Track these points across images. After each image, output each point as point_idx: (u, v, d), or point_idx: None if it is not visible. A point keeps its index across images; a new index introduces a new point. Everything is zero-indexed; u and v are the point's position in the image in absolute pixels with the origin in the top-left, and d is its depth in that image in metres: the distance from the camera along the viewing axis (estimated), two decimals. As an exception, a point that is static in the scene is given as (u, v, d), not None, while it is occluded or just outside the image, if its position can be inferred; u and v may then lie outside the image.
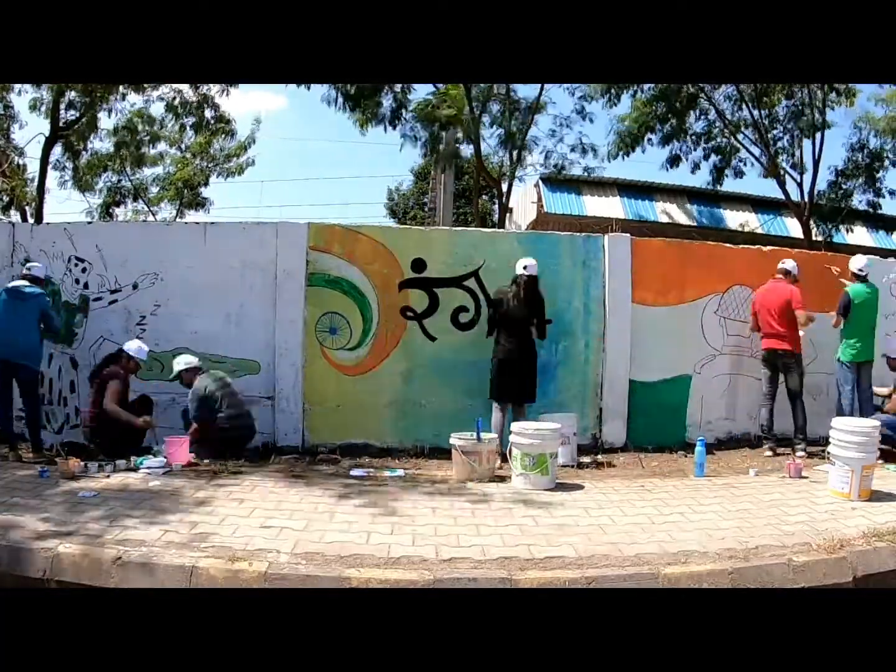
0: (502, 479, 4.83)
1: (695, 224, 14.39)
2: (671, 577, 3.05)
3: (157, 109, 13.33)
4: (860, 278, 6.04)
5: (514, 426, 4.81)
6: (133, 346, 5.52)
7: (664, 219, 14.52)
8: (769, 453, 5.85)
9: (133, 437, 5.33)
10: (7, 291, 5.33)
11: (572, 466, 5.27)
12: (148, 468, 4.81)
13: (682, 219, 14.61)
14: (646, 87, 12.13)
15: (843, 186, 12.77)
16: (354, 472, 5.04)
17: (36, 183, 12.53)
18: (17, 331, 5.22)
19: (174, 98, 12.04)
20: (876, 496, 4.28)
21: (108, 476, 4.66)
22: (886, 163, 12.44)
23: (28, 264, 5.65)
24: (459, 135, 12.37)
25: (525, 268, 5.50)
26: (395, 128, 11.52)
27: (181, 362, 5.53)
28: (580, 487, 4.68)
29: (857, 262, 6.14)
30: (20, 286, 5.36)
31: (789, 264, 6.06)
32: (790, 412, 5.91)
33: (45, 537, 3.32)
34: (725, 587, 3.03)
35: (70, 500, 4.02)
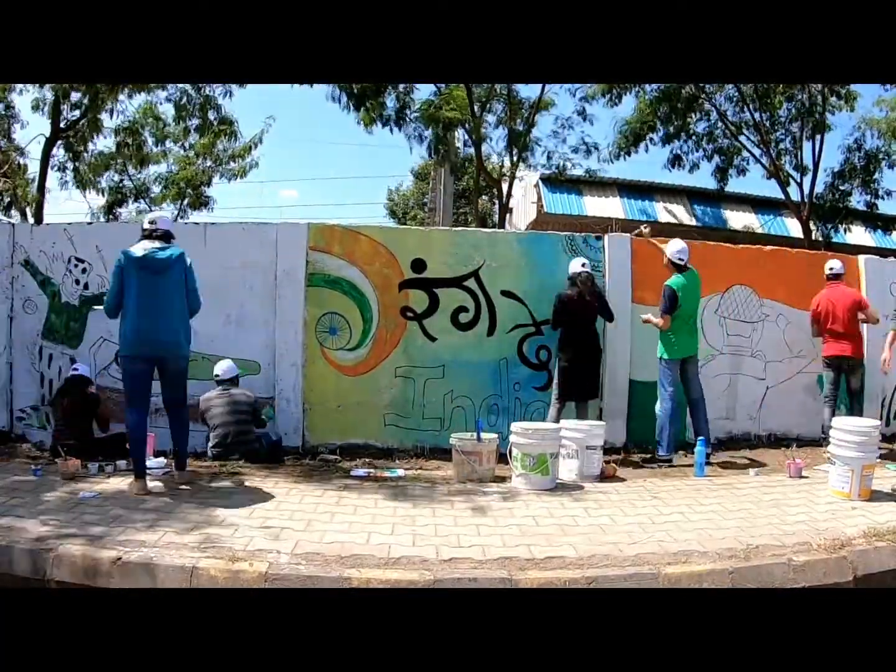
0: (502, 479, 4.84)
1: (695, 224, 14.40)
2: (671, 577, 3.04)
3: (162, 110, 13.35)
4: (679, 267, 5.59)
5: (514, 426, 4.82)
6: (83, 369, 5.49)
7: (664, 219, 14.53)
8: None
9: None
10: (137, 263, 4.21)
11: (579, 487, 4.67)
12: (148, 469, 4.80)
13: (682, 219, 14.62)
14: (648, 87, 12.13)
15: (840, 188, 12.78)
16: (355, 473, 5.04)
17: (36, 183, 12.51)
18: (162, 316, 4.23)
19: (181, 98, 12.02)
20: (876, 496, 4.28)
21: (109, 477, 4.66)
22: (883, 164, 12.45)
23: (150, 216, 4.62)
24: (462, 136, 12.42)
25: (583, 265, 5.58)
26: (400, 129, 11.53)
27: (216, 369, 5.51)
28: (580, 487, 4.68)
29: (674, 247, 5.63)
30: (151, 252, 4.25)
31: (837, 265, 6.12)
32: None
33: (46, 538, 3.31)
34: (725, 587, 3.03)
35: (70, 500, 4.03)
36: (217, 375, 5.47)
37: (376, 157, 55.94)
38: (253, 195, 69.43)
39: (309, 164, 58.61)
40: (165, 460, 4.99)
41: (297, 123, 55.17)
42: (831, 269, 6.16)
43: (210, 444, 5.31)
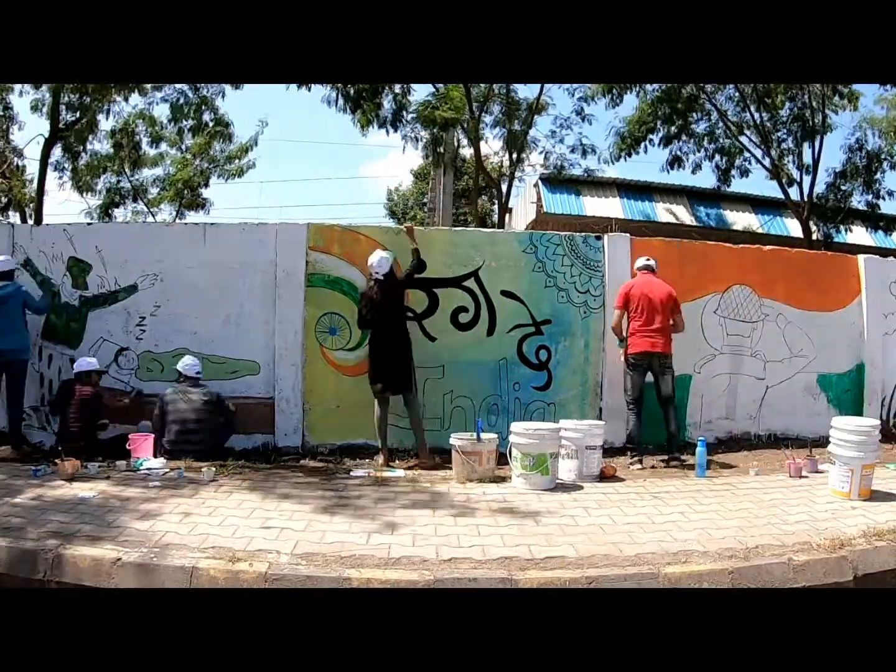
0: (502, 479, 4.84)
1: (695, 224, 14.40)
2: (671, 577, 3.04)
3: (158, 111, 13.36)
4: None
5: (514, 426, 4.81)
6: (86, 362, 5.56)
7: (664, 219, 14.52)
8: (637, 466, 5.33)
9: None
10: None
11: (579, 487, 4.70)
12: (147, 469, 4.81)
13: (681, 219, 14.62)
14: (649, 87, 12.13)
15: (842, 188, 12.79)
16: (355, 473, 5.04)
17: (35, 184, 12.51)
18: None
19: (177, 99, 12.02)
20: (876, 495, 4.28)
21: (108, 477, 4.66)
22: (885, 164, 12.45)
23: None
24: (460, 136, 12.40)
25: (379, 261, 5.46)
26: (396, 130, 11.53)
27: (179, 365, 5.57)
28: (580, 487, 4.68)
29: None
30: None
31: (652, 261, 5.73)
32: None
33: (45, 538, 3.31)
34: (725, 587, 3.03)
35: (69, 500, 4.02)
36: (184, 369, 5.52)
37: (376, 157, 55.84)
38: (251, 195, 69.29)
39: (306, 164, 58.58)
40: (165, 460, 4.99)
41: (296, 123, 55.17)
42: (648, 259, 5.76)
43: (164, 440, 5.31)
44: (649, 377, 5.53)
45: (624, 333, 5.54)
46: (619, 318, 5.55)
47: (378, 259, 5.47)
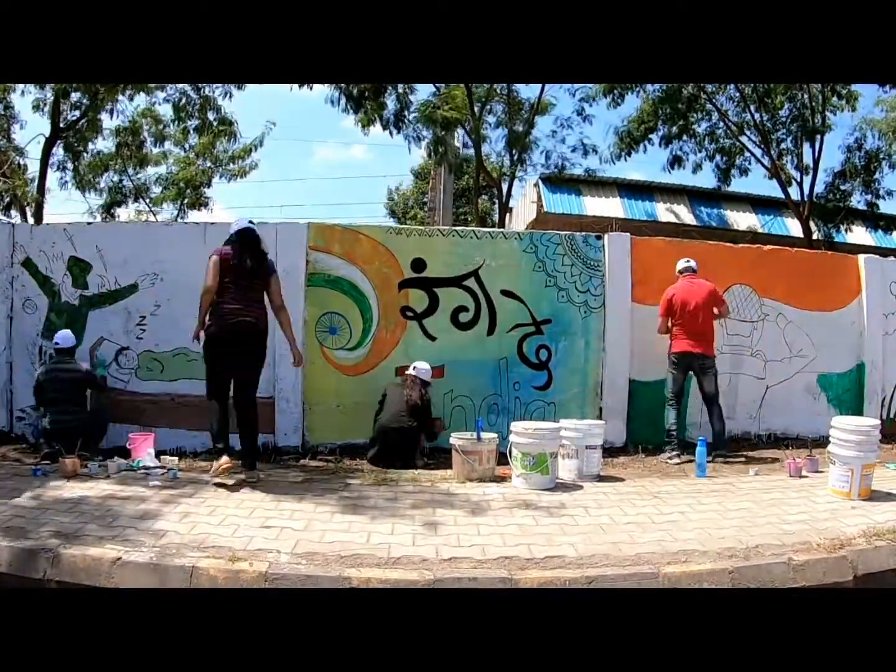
0: (502, 479, 4.84)
1: (695, 224, 14.40)
2: (671, 577, 3.04)
3: (162, 110, 13.37)
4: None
5: (514, 426, 4.81)
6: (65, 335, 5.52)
7: (664, 218, 14.52)
8: (676, 460, 5.50)
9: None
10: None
11: (579, 487, 4.71)
12: (147, 468, 4.81)
13: (682, 218, 14.62)
14: (651, 87, 12.14)
15: (841, 188, 12.80)
16: (354, 472, 5.04)
17: (36, 183, 12.51)
18: None
19: (180, 99, 12.02)
20: (876, 495, 4.28)
21: (108, 476, 4.66)
22: (884, 164, 12.47)
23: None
24: (461, 136, 12.42)
25: None
26: (399, 130, 11.53)
27: (56, 337, 5.54)
28: (580, 487, 4.68)
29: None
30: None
31: (693, 262, 5.89)
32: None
33: (45, 538, 3.32)
34: (725, 586, 3.03)
35: (69, 500, 4.02)
36: (56, 343, 5.46)
37: (376, 156, 55.81)
38: (253, 195, 69.26)
39: (306, 164, 58.55)
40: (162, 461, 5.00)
41: (297, 124, 55.11)
42: (688, 260, 5.93)
43: (46, 421, 5.23)
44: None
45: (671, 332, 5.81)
46: (663, 324, 5.82)
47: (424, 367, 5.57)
